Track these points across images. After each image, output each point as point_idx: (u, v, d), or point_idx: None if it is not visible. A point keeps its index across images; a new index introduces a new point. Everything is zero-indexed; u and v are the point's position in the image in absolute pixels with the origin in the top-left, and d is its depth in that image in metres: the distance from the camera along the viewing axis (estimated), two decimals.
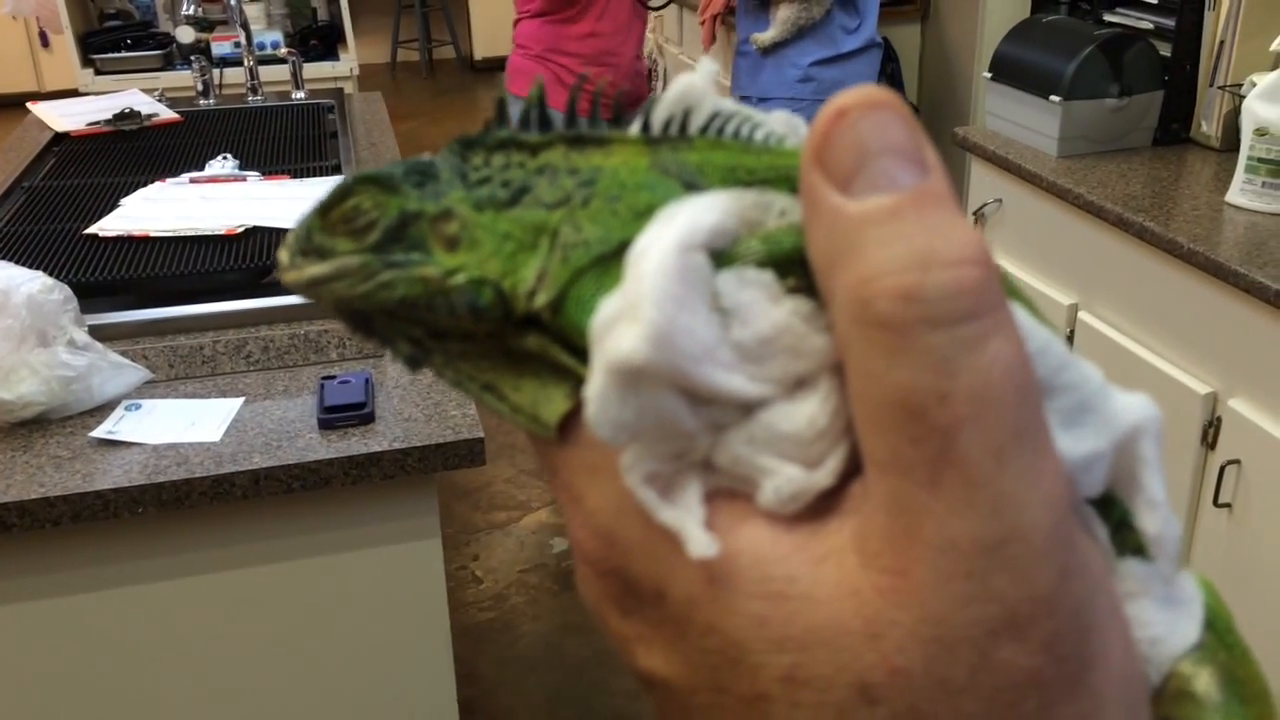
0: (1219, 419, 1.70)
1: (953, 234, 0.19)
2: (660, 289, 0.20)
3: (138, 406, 1.31)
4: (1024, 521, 0.19)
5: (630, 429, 0.21)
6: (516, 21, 2.78)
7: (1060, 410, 0.22)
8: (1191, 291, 1.74)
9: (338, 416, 1.27)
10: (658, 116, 0.25)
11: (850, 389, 0.20)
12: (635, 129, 0.25)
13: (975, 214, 2.31)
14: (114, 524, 1.19)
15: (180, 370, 1.39)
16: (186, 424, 1.28)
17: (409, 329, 0.25)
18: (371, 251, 0.24)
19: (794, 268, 0.22)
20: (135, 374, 1.32)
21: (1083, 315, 2.00)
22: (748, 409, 0.21)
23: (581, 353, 0.22)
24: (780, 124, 0.25)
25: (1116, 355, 1.90)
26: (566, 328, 0.23)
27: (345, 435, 1.25)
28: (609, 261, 0.23)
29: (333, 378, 1.34)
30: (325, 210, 0.24)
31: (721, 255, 0.22)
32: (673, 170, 0.24)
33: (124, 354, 1.34)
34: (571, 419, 0.23)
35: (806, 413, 0.21)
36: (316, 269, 0.24)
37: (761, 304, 0.21)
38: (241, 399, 1.33)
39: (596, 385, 0.21)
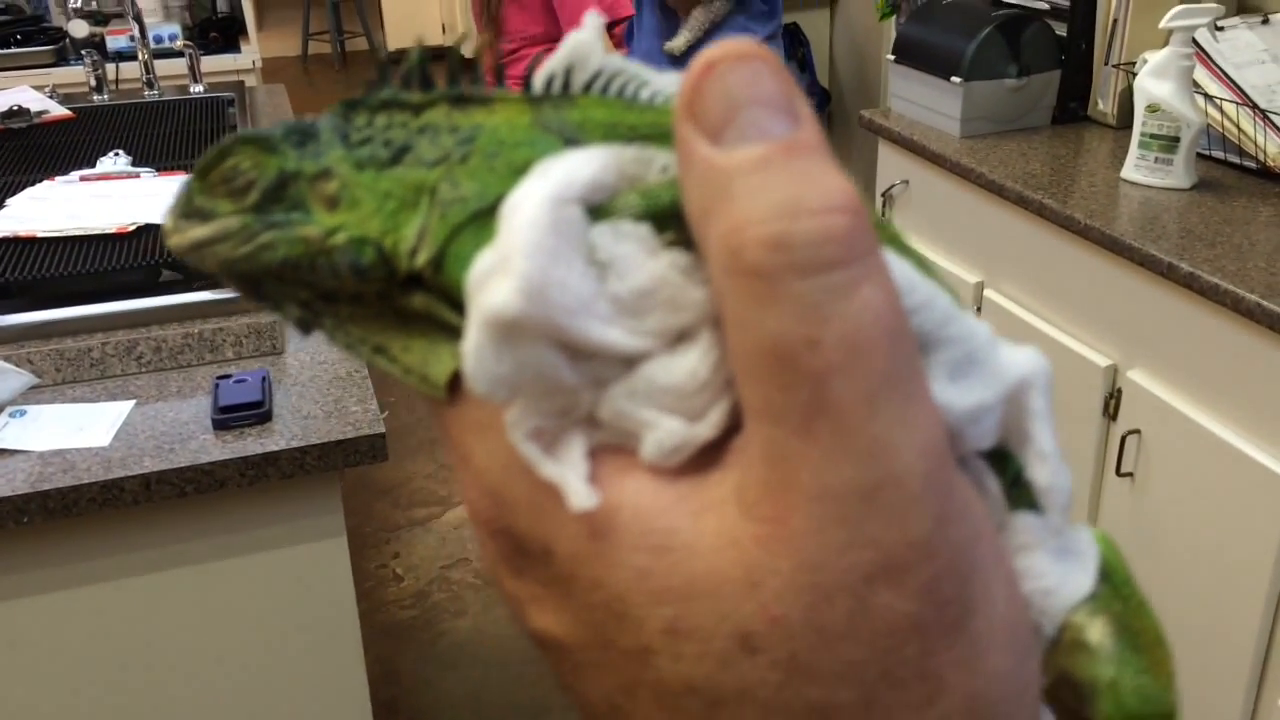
0: (1119, 390, 1.74)
1: (821, 182, 0.19)
2: (532, 241, 0.20)
3: (22, 413, 1.26)
4: (898, 467, 0.19)
5: (508, 384, 0.21)
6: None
7: (946, 363, 0.22)
8: (1090, 266, 1.78)
9: (233, 416, 1.23)
10: (541, 74, 0.24)
11: (726, 339, 0.20)
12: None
13: (883, 195, 2.34)
14: None
15: (68, 374, 1.34)
16: (74, 429, 1.24)
17: (297, 292, 0.24)
18: (251, 212, 0.24)
19: (672, 221, 0.21)
20: (19, 379, 1.27)
21: (988, 293, 2.04)
22: (629, 363, 0.21)
23: (466, 310, 0.22)
24: (668, 83, 0.25)
25: (1021, 330, 1.93)
26: (449, 285, 0.23)
27: (241, 435, 1.22)
28: (486, 217, 0.22)
29: (228, 377, 1.31)
30: (205, 172, 0.24)
31: (599, 210, 0.22)
32: (554, 127, 0.24)
33: (7, 359, 1.29)
34: (460, 378, 0.23)
35: (687, 365, 0.21)
36: (198, 232, 0.24)
37: (638, 257, 0.21)
38: (132, 402, 1.29)
39: (472, 340, 0.21)
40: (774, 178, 0.19)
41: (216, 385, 1.29)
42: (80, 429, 1.24)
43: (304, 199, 0.24)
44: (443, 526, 2.67)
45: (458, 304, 0.22)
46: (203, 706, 1.31)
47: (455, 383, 0.23)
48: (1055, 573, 0.24)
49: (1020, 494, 0.24)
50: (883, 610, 0.19)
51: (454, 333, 0.23)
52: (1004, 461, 0.24)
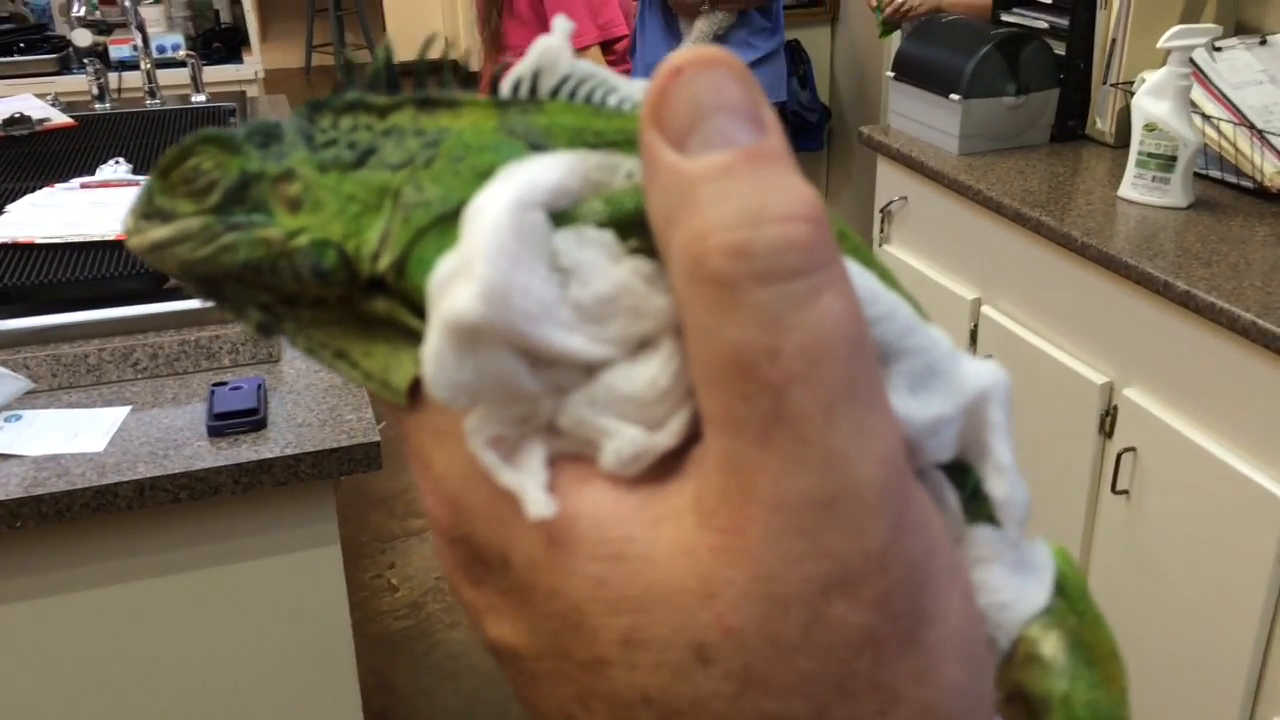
0: (1115, 408, 1.74)
1: (784, 190, 0.19)
2: (495, 245, 0.20)
3: (18, 418, 1.26)
4: (855, 478, 0.19)
5: (468, 390, 0.20)
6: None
7: (907, 374, 0.22)
8: (1087, 284, 1.78)
9: (228, 423, 1.24)
10: (509, 79, 0.24)
11: (687, 347, 0.20)
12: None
13: (882, 211, 2.34)
14: None
15: (64, 380, 1.34)
16: (69, 434, 1.24)
17: (258, 295, 0.24)
18: (212, 213, 0.23)
19: (636, 229, 0.21)
20: (15, 384, 1.27)
21: (985, 309, 2.04)
22: (590, 371, 0.21)
23: (427, 315, 0.21)
24: (637, 90, 0.24)
25: (1017, 348, 1.93)
26: (411, 290, 0.22)
27: (236, 442, 1.22)
28: (449, 221, 0.22)
29: (224, 384, 1.31)
30: (166, 171, 0.24)
31: (564, 215, 0.21)
32: (520, 132, 0.24)
33: (4, 364, 1.29)
34: (421, 384, 0.22)
35: (648, 374, 0.21)
36: (158, 232, 0.24)
37: (601, 263, 0.21)
38: (128, 408, 1.29)
39: (433, 345, 0.20)
40: (737, 185, 0.19)
41: (212, 392, 1.29)
42: (75, 434, 1.24)
43: (266, 200, 0.23)
44: None
45: (420, 309, 0.22)
46: (193, 713, 1.30)
47: (416, 389, 0.23)
48: (1011, 586, 0.24)
49: (978, 507, 0.24)
50: (837, 621, 0.19)
51: (416, 338, 0.22)
52: (963, 474, 0.24)
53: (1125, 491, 1.72)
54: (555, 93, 0.24)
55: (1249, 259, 1.64)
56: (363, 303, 0.24)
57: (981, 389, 0.23)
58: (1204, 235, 1.74)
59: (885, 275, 0.23)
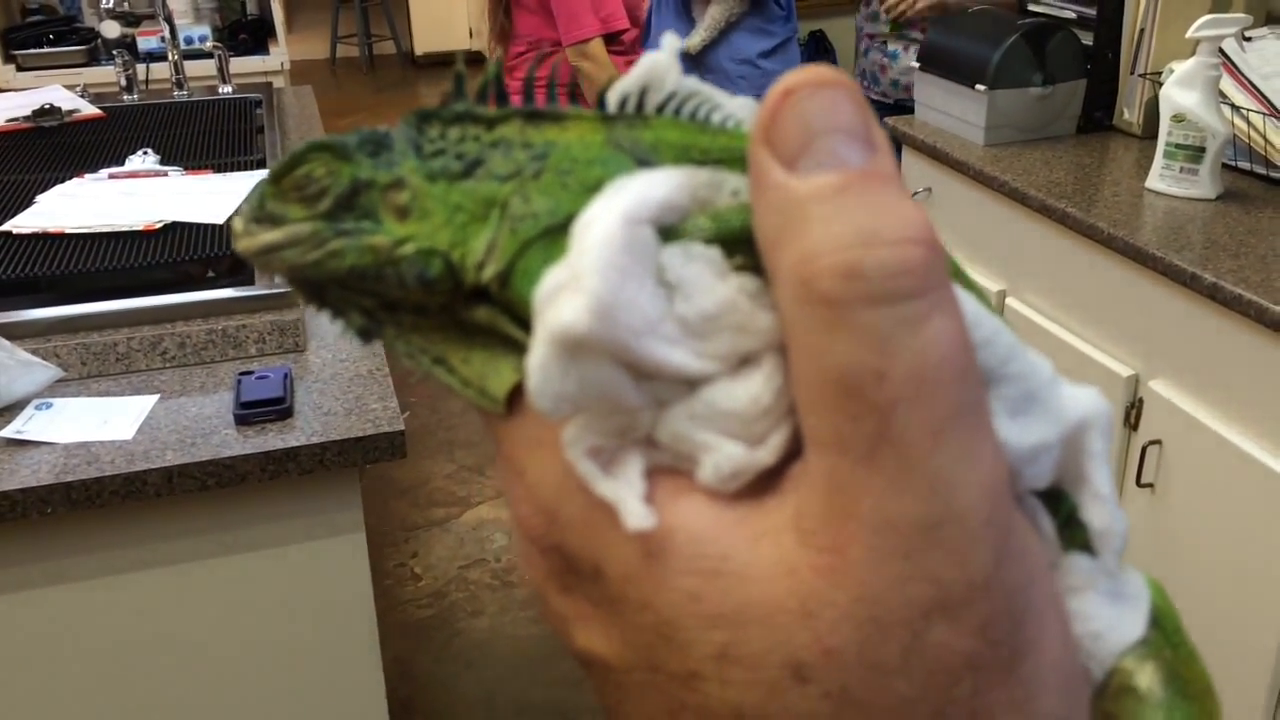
0: (1140, 400, 1.73)
1: (896, 213, 0.19)
2: (604, 260, 0.20)
3: (48, 405, 1.28)
4: (960, 503, 0.19)
5: (571, 401, 0.21)
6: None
7: (1007, 399, 0.22)
8: (1113, 276, 1.77)
9: (255, 412, 1.25)
10: (615, 94, 0.24)
11: (792, 366, 0.20)
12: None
13: None
14: (23, 525, 1.16)
15: (93, 368, 1.36)
16: (99, 422, 1.25)
17: (361, 300, 0.24)
18: (323, 219, 0.24)
19: (742, 246, 0.21)
20: (45, 372, 1.29)
21: (1010, 301, 2.03)
22: (691, 385, 0.21)
23: (529, 325, 0.22)
24: (740, 108, 0.25)
25: (1042, 340, 1.92)
26: (514, 300, 0.23)
27: (262, 431, 1.23)
28: (557, 234, 0.22)
29: (250, 373, 1.32)
30: (278, 177, 0.24)
31: (670, 231, 0.22)
32: (626, 147, 0.24)
33: (35, 352, 1.31)
34: (518, 392, 0.23)
35: (750, 390, 0.21)
36: (268, 236, 0.24)
37: (707, 280, 0.21)
38: (156, 396, 1.31)
39: (538, 356, 0.20)
40: (849, 206, 0.19)
41: (239, 381, 1.30)
42: (105, 422, 1.25)
43: (375, 208, 0.24)
44: (461, 527, 2.68)
45: (521, 319, 0.22)
46: (218, 700, 1.32)
47: (512, 397, 0.23)
48: (1106, 616, 0.24)
49: (1072, 534, 0.24)
50: (937, 647, 0.19)
51: (515, 347, 0.23)
52: (1057, 501, 0.24)
53: (1150, 485, 1.71)
54: (661, 109, 0.24)
55: (1277, 251, 1.63)
56: (464, 311, 0.24)
57: (1082, 417, 0.23)
58: (1232, 227, 1.72)
59: (983, 298, 0.23)
